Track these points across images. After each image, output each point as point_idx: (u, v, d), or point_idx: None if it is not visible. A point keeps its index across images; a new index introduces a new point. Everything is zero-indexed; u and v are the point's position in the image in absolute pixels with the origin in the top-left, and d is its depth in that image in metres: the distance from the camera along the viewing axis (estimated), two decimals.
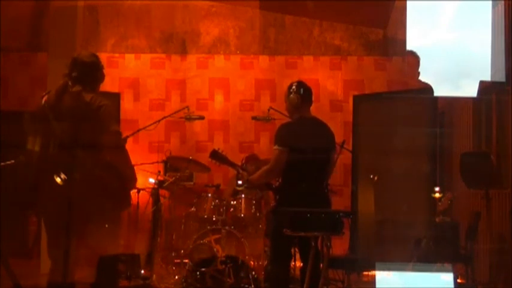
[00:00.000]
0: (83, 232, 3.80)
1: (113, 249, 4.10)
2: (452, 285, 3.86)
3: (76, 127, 3.83)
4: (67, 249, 3.68)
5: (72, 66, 4.01)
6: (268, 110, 6.52)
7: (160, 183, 6.48)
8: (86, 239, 3.82)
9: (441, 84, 5.96)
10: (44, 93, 4.07)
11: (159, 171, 6.88)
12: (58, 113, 3.91)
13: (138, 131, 7.00)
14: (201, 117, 7.08)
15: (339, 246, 6.67)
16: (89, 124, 3.80)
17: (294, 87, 4.67)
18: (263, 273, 5.76)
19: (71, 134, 3.85)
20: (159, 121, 6.76)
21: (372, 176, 6.70)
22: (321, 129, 4.72)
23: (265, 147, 7.75)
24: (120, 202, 3.97)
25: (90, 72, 4.02)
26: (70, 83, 3.95)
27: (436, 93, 6.53)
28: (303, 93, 4.65)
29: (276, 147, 4.54)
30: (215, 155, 4.95)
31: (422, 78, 6.08)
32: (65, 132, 3.87)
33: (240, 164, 6.04)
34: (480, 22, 5.79)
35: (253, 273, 5.56)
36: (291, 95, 4.65)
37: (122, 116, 7.95)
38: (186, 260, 5.77)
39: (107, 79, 4.27)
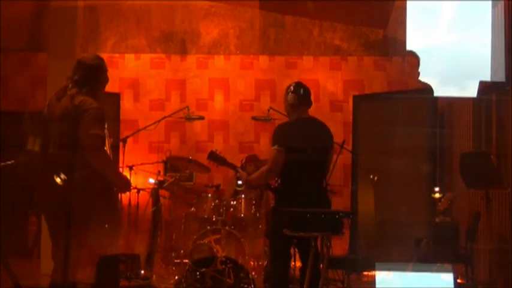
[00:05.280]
0: (82, 232, 3.79)
1: (113, 249, 4.09)
2: (452, 285, 3.87)
3: (65, 130, 3.83)
4: (67, 250, 3.67)
5: (75, 68, 4.00)
6: (268, 110, 6.52)
7: (160, 184, 6.49)
8: (85, 239, 3.81)
9: (446, 85, 5.94)
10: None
11: (159, 171, 6.88)
12: (53, 116, 3.92)
13: (138, 131, 7.04)
14: (201, 118, 7.09)
15: (339, 246, 6.68)
16: (75, 127, 3.78)
17: (292, 87, 4.68)
18: (263, 273, 5.77)
19: (63, 136, 3.86)
20: (159, 121, 6.78)
21: (372, 176, 6.70)
22: (318, 129, 4.71)
23: (265, 148, 7.74)
24: (106, 204, 3.95)
25: (92, 74, 3.99)
26: (70, 86, 3.95)
27: (441, 95, 6.52)
28: (300, 94, 4.65)
29: (273, 147, 4.54)
30: (213, 156, 4.94)
31: (425, 79, 6.05)
32: (57, 134, 3.88)
33: (239, 164, 6.05)
34: (480, 22, 5.79)
35: (253, 273, 5.55)
36: (289, 95, 4.65)
37: (122, 116, 7.97)
38: (186, 260, 5.77)
39: None
